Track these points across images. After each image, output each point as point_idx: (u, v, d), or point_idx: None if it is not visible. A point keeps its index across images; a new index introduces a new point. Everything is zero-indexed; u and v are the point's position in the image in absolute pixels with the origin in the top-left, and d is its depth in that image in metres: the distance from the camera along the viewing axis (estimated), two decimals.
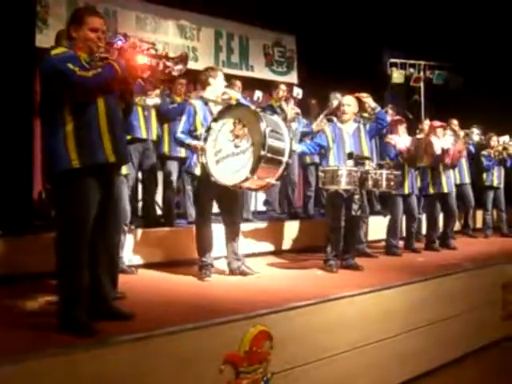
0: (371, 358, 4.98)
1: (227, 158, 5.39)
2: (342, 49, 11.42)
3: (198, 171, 5.78)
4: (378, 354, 5.05)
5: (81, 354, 3.30)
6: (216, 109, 5.77)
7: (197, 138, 5.73)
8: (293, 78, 12.01)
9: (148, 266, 6.38)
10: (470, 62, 12.43)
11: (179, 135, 5.87)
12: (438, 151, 8.09)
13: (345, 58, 11.39)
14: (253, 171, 5.20)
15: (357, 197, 6.17)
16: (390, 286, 5.39)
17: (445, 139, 8.35)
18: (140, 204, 7.61)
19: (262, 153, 5.13)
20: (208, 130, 5.54)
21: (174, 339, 3.69)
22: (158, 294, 5.08)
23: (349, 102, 6.67)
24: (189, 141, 5.76)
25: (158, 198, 7.77)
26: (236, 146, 5.35)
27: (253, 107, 5.77)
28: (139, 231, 6.61)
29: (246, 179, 5.24)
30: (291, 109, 8.17)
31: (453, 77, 12.82)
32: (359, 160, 6.30)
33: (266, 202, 9.07)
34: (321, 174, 6.29)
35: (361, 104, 6.90)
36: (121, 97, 4.12)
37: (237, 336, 3.96)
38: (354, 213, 6.22)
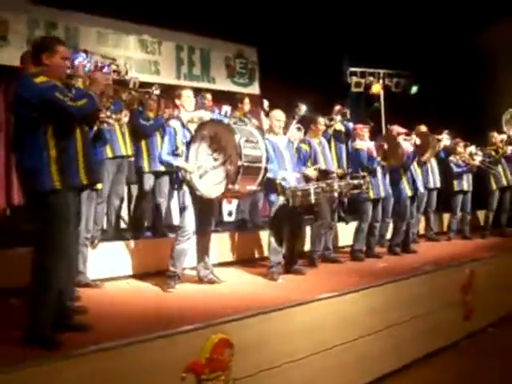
0: (332, 362, 5.08)
1: (209, 172, 5.71)
2: (303, 59, 11.58)
3: (184, 187, 5.97)
4: (340, 357, 5.16)
5: (45, 367, 3.37)
6: (192, 126, 6.03)
7: (178, 156, 5.97)
8: (255, 89, 12.11)
9: (112, 278, 6.43)
10: (426, 69, 12.71)
11: (166, 157, 6.05)
12: (406, 155, 8.26)
13: (306, 68, 11.56)
14: (233, 182, 5.49)
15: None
16: (350, 291, 5.51)
17: (408, 144, 8.53)
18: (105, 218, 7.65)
19: (240, 163, 5.43)
20: (188, 148, 5.84)
21: (135, 349, 3.75)
22: (121, 306, 5.16)
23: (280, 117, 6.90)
24: (177, 162, 5.97)
25: (124, 211, 7.84)
26: (215, 160, 5.66)
27: (226, 120, 6.03)
28: (103, 244, 6.65)
29: (228, 190, 5.56)
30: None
31: (411, 84, 13.07)
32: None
33: (231, 213, 9.17)
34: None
35: None
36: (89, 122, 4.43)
37: (198, 344, 4.04)
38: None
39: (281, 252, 6.68)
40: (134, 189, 8.16)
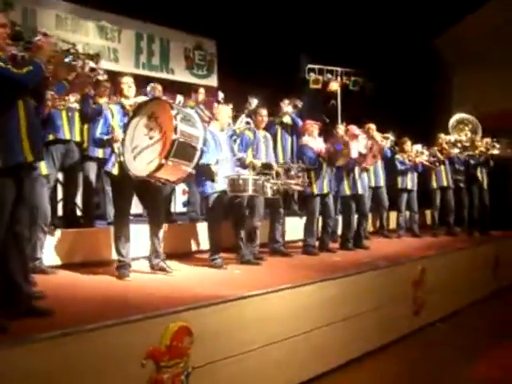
0: (288, 352, 5.16)
1: (142, 152, 5.45)
2: (262, 54, 11.64)
3: (115, 171, 5.84)
4: (295, 348, 5.24)
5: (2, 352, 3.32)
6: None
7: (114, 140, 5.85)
8: (213, 81, 12.14)
9: (68, 266, 6.36)
10: (383, 68, 12.91)
11: (98, 136, 6.01)
12: (355, 154, 8.37)
13: (264, 62, 11.62)
14: (166, 156, 5.21)
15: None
16: (307, 283, 5.59)
17: (359, 143, 8.66)
18: (60, 204, 7.55)
19: (174, 136, 5.18)
20: (125, 129, 5.67)
21: (95, 336, 3.74)
22: (78, 294, 5.09)
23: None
24: (106, 136, 5.89)
25: (78, 198, 7.74)
26: (150, 138, 5.42)
27: (165, 98, 5.93)
28: (59, 232, 6.58)
29: (161, 165, 5.24)
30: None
31: (368, 83, 13.26)
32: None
33: (187, 204, 9.15)
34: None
35: None
36: (34, 94, 4.13)
37: (158, 332, 4.05)
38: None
39: (219, 243, 6.74)
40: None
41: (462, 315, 8.33)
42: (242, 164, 7.17)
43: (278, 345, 5.05)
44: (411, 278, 7.29)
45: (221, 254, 6.71)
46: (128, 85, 6.12)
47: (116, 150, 5.75)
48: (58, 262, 6.37)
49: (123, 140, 5.63)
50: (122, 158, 5.62)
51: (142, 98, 6.16)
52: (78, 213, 7.74)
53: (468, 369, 6.10)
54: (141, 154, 5.46)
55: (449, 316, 8.04)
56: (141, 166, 5.44)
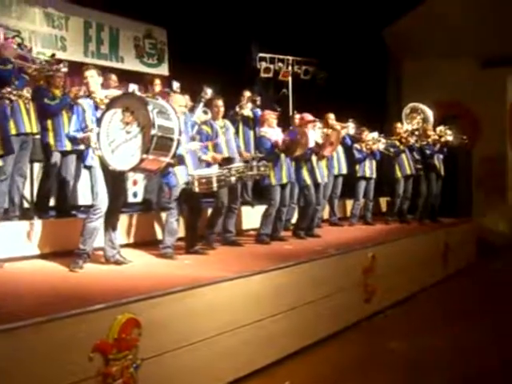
0: (240, 342, 5.15)
1: (121, 146, 5.54)
2: (213, 42, 11.54)
3: (95, 163, 5.83)
4: (246, 337, 5.24)
5: None
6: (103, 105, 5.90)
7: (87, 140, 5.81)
8: (164, 70, 12.00)
9: (15, 259, 6.23)
10: (335, 58, 12.97)
11: (72, 134, 5.94)
12: (312, 143, 8.39)
13: (215, 51, 11.52)
14: (147, 151, 5.38)
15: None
16: (258, 272, 5.60)
17: (316, 132, 8.70)
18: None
19: (153, 132, 5.33)
20: (99, 123, 5.65)
21: (42, 329, 3.67)
22: (26, 286, 5.04)
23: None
24: (80, 135, 5.83)
25: (27, 190, 7.61)
26: (127, 133, 5.51)
27: (138, 93, 6.05)
28: (5, 224, 6.45)
29: (142, 160, 5.43)
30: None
31: (319, 72, 13.32)
32: None
33: (136, 195, 9.08)
34: None
35: None
36: None
37: (105, 324, 3.99)
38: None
39: (177, 233, 6.74)
40: (39, 167, 7.90)
41: (413, 301, 8.47)
42: (205, 161, 7.15)
43: (229, 334, 5.04)
44: (362, 266, 7.36)
45: (172, 244, 6.67)
46: (93, 78, 6.03)
47: (92, 145, 5.71)
48: (5, 254, 6.22)
49: (98, 134, 5.65)
50: (99, 153, 5.66)
51: (114, 92, 6.16)
52: (26, 205, 7.60)
53: (416, 353, 6.20)
54: (119, 148, 5.56)
55: (400, 302, 8.15)
56: (121, 160, 5.57)
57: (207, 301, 4.90)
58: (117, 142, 5.57)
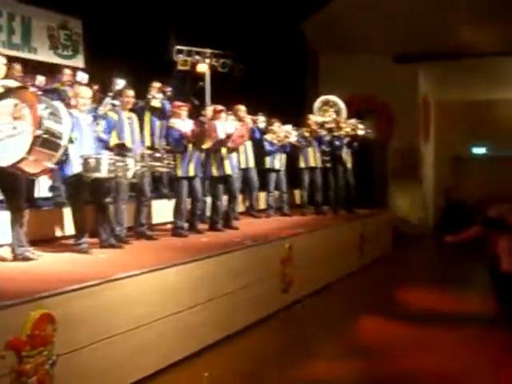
0: (158, 334, 5.17)
1: (5, 140, 5.29)
2: (130, 35, 11.38)
3: None
4: (164, 329, 5.26)
5: None
6: None
7: None
8: (79, 62, 11.76)
9: None
10: (253, 50, 13.04)
11: None
12: (221, 135, 8.40)
13: (132, 43, 11.37)
14: (29, 151, 5.16)
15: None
16: (174, 265, 5.61)
17: (227, 124, 8.72)
18: None
19: (38, 132, 5.13)
20: None
21: None
22: None
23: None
24: None
25: None
26: (14, 128, 5.27)
27: (33, 89, 5.72)
28: None
29: (22, 159, 5.20)
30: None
31: (237, 65, 13.36)
32: None
33: (52, 188, 8.85)
34: None
35: None
36: None
37: (18, 321, 3.92)
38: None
39: (84, 227, 6.58)
40: None
41: (329, 291, 8.65)
42: (106, 147, 6.98)
43: (146, 327, 5.05)
44: (279, 257, 7.47)
45: (86, 239, 6.55)
46: None
47: None
48: None
49: None
50: None
51: (10, 82, 5.86)
52: None
53: (330, 342, 6.37)
54: (2, 141, 5.32)
55: (317, 292, 8.32)
56: (2, 155, 5.30)
57: (124, 294, 4.88)
58: (1, 135, 5.33)
